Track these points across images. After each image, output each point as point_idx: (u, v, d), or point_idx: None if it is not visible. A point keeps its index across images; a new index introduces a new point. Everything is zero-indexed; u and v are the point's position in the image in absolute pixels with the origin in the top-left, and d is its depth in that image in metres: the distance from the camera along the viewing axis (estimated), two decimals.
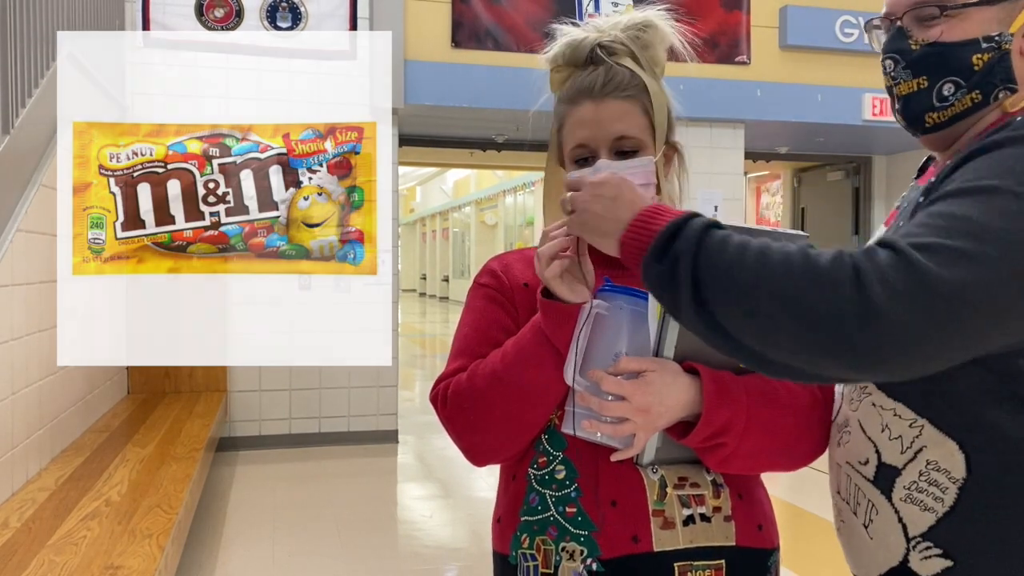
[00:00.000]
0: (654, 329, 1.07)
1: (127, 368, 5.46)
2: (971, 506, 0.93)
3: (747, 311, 0.86)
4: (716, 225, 0.92)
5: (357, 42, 5.81)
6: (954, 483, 0.93)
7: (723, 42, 6.39)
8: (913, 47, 1.02)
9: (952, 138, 1.05)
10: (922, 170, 1.18)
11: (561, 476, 1.12)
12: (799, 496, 4.60)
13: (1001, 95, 1.00)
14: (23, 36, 3.31)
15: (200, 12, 5.57)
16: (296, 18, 5.71)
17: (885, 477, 0.99)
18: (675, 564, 1.08)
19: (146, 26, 5.48)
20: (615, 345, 1.08)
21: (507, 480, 1.19)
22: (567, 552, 1.10)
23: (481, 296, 1.22)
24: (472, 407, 1.11)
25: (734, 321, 0.87)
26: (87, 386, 4.30)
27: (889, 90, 1.08)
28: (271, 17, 5.69)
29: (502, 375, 1.10)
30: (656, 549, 1.08)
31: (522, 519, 1.14)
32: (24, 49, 3.32)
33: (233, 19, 5.62)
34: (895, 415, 0.98)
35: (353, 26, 5.80)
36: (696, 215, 0.94)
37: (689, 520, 1.09)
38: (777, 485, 5.11)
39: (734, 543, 1.11)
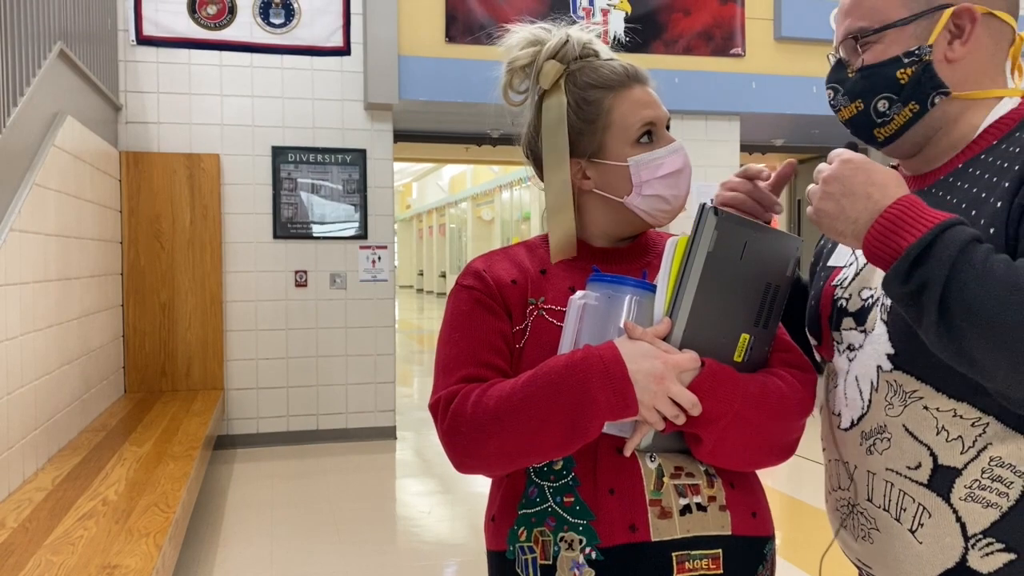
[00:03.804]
0: (659, 316, 1.07)
1: (123, 367, 5.45)
2: None
3: (1008, 352, 0.84)
4: (970, 243, 0.87)
5: (350, 38, 5.80)
6: (1020, 477, 0.95)
7: (718, 34, 6.39)
8: (850, 74, 1.11)
9: (916, 143, 1.10)
10: None
11: (559, 466, 1.12)
12: (797, 488, 4.60)
13: (937, 100, 1.06)
14: (15, 34, 3.29)
15: (193, 9, 5.55)
16: (289, 14, 5.70)
17: (943, 479, 0.99)
18: (673, 554, 1.08)
19: (138, 23, 5.46)
20: (605, 334, 1.07)
21: (500, 477, 1.18)
22: (566, 542, 1.09)
23: (468, 300, 1.17)
24: (486, 438, 1.05)
25: (986, 355, 0.86)
26: (83, 385, 4.29)
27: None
28: (264, 14, 5.67)
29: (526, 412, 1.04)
30: (654, 539, 1.07)
31: (520, 512, 1.13)
32: (16, 47, 3.31)
33: (226, 16, 5.60)
34: (955, 416, 0.98)
35: (346, 22, 5.78)
36: (948, 226, 0.89)
37: (686, 510, 1.09)
38: (775, 477, 5.13)
39: (730, 532, 1.11)
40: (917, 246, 0.89)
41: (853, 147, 1.06)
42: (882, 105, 1.07)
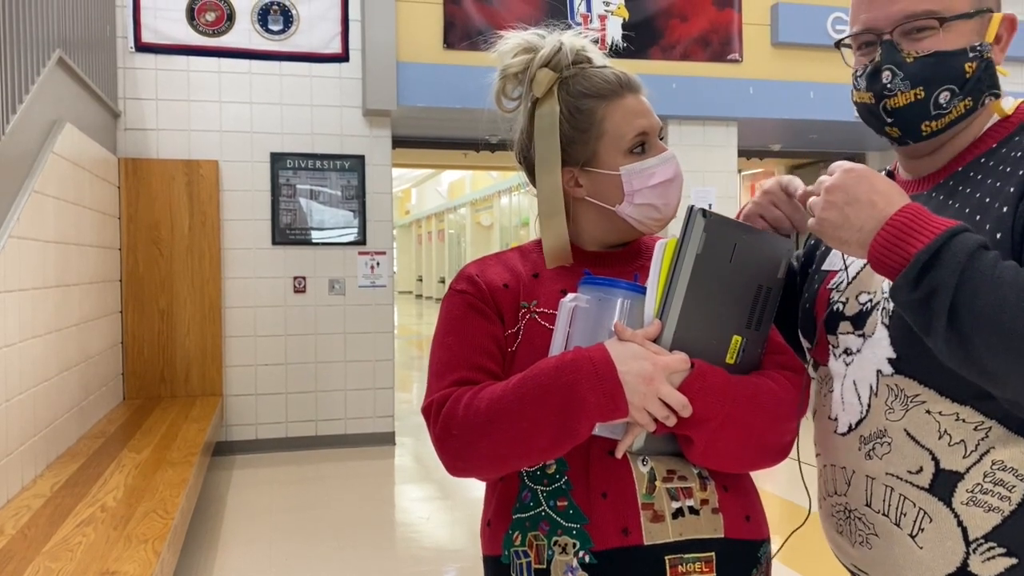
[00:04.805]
0: (649, 319, 1.07)
1: (122, 373, 5.45)
2: None
3: (1019, 360, 0.84)
4: (978, 250, 0.87)
5: (349, 44, 5.81)
6: (1022, 481, 0.95)
7: (715, 40, 6.40)
8: (908, 59, 1.04)
9: (936, 146, 1.08)
10: None
11: (552, 471, 1.12)
12: (795, 492, 4.60)
13: (987, 100, 1.05)
14: (14, 41, 3.30)
15: (191, 16, 5.56)
16: (287, 21, 5.71)
17: (944, 483, 0.99)
18: (666, 557, 1.08)
19: (137, 30, 5.47)
20: (596, 337, 1.07)
21: (495, 482, 1.19)
22: (559, 546, 1.09)
23: (461, 304, 1.18)
24: (478, 440, 1.07)
25: (998, 363, 0.86)
26: (82, 392, 4.29)
27: (873, 106, 1.08)
28: (262, 20, 5.68)
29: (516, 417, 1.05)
30: (647, 542, 1.08)
31: (514, 517, 1.14)
32: (15, 54, 3.32)
33: (224, 23, 5.62)
34: (958, 419, 0.98)
35: (345, 28, 5.80)
36: (956, 233, 0.89)
37: (678, 513, 1.09)
38: (774, 481, 5.10)
39: (723, 535, 1.11)
40: (926, 252, 0.88)
41: (851, 159, 1.06)
42: (944, 97, 1.04)
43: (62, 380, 3.87)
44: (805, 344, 1.23)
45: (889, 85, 1.06)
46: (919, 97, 1.04)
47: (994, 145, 1.04)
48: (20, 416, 3.24)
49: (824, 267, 1.22)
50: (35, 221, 3.50)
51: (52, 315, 3.73)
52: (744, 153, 7.77)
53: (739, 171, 7.79)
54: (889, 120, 1.07)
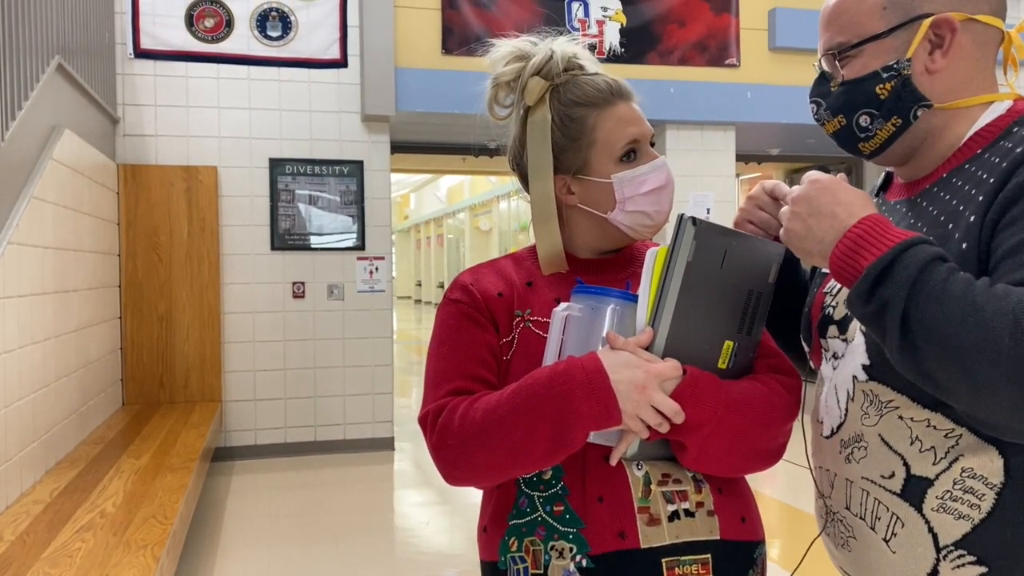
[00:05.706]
0: (641, 326, 1.08)
1: (121, 379, 5.45)
2: (1009, 511, 0.93)
3: (966, 374, 0.84)
4: (931, 262, 0.87)
5: (347, 50, 5.82)
6: (991, 489, 0.94)
7: (712, 45, 6.42)
8: (832, 88, 1.10)
9: (904, 154, 1.09)
10: (884, 185, 1.21)
11: (548, 476, 1.13)
12: (794, 495, 4.60)
13: (920, 113, 1.04)
14: (13, 47, 3.31)
15: (190, 22, 5.57)
16: (286, 27, 5.72)
17: (915, 489, 0.99)
18: (663, 560, 1.09)
19: (136, 37, 5.49)
20: (589, 345, 1.08)
21: (491, 488, 1.20)
22: (556, 551, 1.10)
23: (456, 314, 1.18)
24: (473, 450, 1.07)
25: (947, 376, 0.86)
26: (81, 398, 4.29)
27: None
28: (261, 26, 5.70)
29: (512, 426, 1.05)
30: (643, 546, 1.09)
31: (511, 523, 1.15)
32: (14, 61, 3.33)
33: (223, 29, 5.63)
34: (929, 426, 0.98)
35: (343, 34, 5.81)
36: (909, 246, 0.89)
37: (674, 516, 1.10)
38: (773, 485, 5.10)
39: (719, 537, 1.12)
40: (876, 266, 0.89)
41: (824, 169, 1.07)
42: (864, 120, 1.06)
43: (61, 386, 3.87)
44: (805, 348, 1.23)
45: (816, 116, 1.12)
46: (842, 124, 1.09)
47: (978, 151, 1.03)
48: (19, 422, 3.24)
49: (823, 269, 1.22)
50: (34, 227, 3.50)
51: (51, 321, 3.73)
52: (742, 158, 7.78)
53: (737, 175, 7.80)
54: (835, 142, 1.13)
